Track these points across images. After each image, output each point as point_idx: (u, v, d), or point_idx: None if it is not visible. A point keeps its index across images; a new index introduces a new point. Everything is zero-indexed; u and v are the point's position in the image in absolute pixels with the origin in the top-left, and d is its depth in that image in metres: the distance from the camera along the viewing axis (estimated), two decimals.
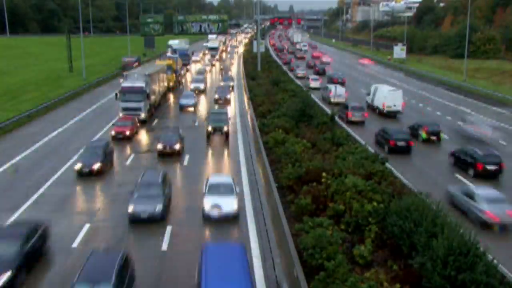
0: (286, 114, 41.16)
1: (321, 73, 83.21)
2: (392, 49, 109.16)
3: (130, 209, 22.92)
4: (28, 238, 18.80)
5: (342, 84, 66.64)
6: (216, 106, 52.06)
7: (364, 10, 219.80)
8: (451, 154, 34.13)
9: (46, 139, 39.00)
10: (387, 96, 49.67)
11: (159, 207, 22.95)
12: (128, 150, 36.11)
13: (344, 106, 48.65)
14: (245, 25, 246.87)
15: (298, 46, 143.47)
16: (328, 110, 44.25)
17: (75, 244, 21.22)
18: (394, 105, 49.09)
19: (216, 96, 55.23)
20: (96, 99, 56.97)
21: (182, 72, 75.56)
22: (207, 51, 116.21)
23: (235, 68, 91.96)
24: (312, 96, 51.15)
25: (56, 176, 29.95)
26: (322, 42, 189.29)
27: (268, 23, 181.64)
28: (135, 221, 22.93)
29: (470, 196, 24.91)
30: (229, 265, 16.12)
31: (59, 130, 42.04)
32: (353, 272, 17.77)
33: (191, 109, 51.46)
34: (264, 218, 23.67)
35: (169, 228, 22.69)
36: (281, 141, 33.27)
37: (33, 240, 19.08)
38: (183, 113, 50.38)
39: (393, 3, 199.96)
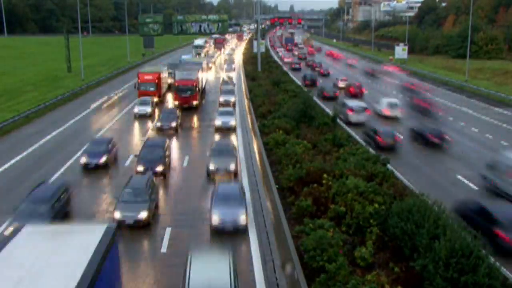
0: (286, 115, 40.98)
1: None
2: (393, 49, 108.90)
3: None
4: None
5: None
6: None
7: (365, 10, 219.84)
8: None
9: (44, 140, 38.80)
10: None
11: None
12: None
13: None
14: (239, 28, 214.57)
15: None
16: (329, 111, 44.05)
17: None
18: None
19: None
20: (95, 99, 56.70)
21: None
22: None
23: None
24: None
25: (55, 177, 29.75)
26: (323, 42, 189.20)
27: (268, 23, 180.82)
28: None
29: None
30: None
31: (58, 130, 41.85)
32: (354, 274, 17.62)
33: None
34: (264, 219, 23.50)
35: (168, 230, 22.53)
36: (281, 142, 33.10)
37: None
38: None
39: (394, 2, 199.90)
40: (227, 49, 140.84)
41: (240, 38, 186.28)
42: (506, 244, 19.76)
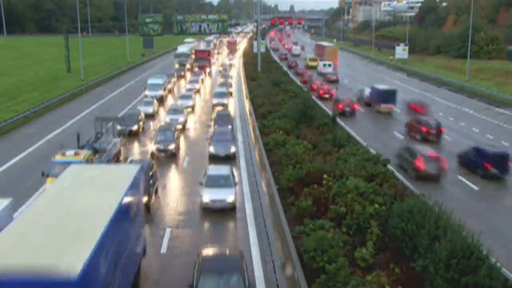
0: (286, 115, 40.88)
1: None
2: (394, 49, 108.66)
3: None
4: None
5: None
6: None
7: (366, 10, 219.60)
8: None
9: (43, 140, 38.67)
10: None
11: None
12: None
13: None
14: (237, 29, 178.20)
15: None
16: (329, 111, 44.04)
17: None
18: None
19: None
20: (95, 99, 56.64)
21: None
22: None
23: None
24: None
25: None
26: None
27: (268, 23, 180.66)
28: None
29: None
30: None
31: (57, 131, 41.73)
32: (355, 275, 17.53)
33: None
34: (264, 220, 23.46)
35: (168, 231, 22.44)
36: (281, 143, 32.99)
37: None
38: None
39: (395, 2, 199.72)
40: (215, 68, 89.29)
41: (232, 48, 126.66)
42: (420, 171, 30.37)
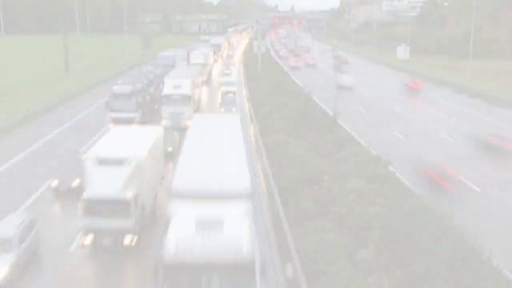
0: (287, 115, 40.74)
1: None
2: (395, 50, 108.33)
3: None
4: None
5: None
6: None
7: (367, 10, 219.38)
8: None
9: (41, 141, 38.53)
10: None
11: None
12: None
13: None
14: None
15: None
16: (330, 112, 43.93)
17: (72, 248, 20.82)
18: None
19: None
20: (93, 100, 56.45)
21: None
22: None
23: None
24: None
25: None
26: (323, 42, 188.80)
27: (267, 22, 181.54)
28: None
29: None
30: None
31: (55, 132, 41.58)
32: (355, 277, 17.41)
33: None
34: (264, 221, 23.31)
35: None
36: (282, 143, 32.85)
37: None
38: None
39: (396, 2, 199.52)
40: None
41: None
42: None
